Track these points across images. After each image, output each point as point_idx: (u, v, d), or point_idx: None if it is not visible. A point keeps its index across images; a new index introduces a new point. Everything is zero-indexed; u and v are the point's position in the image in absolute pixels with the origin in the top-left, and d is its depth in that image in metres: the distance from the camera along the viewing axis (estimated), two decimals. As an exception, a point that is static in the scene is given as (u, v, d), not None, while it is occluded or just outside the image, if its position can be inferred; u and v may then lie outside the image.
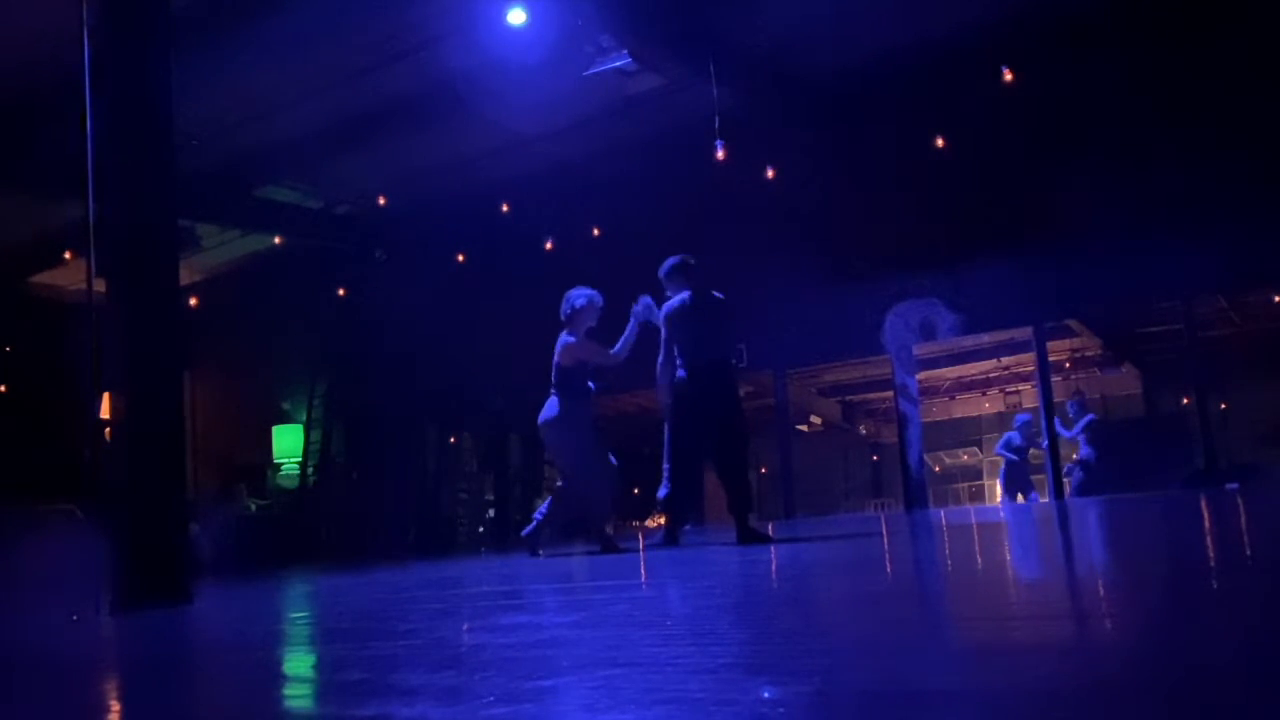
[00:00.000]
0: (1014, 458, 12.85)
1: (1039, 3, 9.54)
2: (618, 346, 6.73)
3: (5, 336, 12.59)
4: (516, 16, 8.64)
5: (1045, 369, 12.41)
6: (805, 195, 11.29)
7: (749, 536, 6.28)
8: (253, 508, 13.16)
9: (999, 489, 13.90)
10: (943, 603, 3.17)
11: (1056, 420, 12.45)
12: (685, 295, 6.51)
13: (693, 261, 6.59)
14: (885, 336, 12.64)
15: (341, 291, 13.79)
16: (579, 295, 6.78)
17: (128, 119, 5.07)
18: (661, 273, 6.64)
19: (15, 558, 6.42)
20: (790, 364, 14.29)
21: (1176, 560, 3.76)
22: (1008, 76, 10.20)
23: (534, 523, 7.01)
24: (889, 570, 4.46)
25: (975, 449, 16.96)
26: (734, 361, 6.73)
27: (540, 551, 6.90)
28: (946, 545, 5.79)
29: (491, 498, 15.33)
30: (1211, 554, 3.77)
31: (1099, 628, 2.31)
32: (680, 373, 6.45)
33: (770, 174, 11.29)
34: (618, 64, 9.73)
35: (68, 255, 11.98)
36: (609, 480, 6.79)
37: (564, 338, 6.75)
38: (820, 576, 4.45)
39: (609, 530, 6.96)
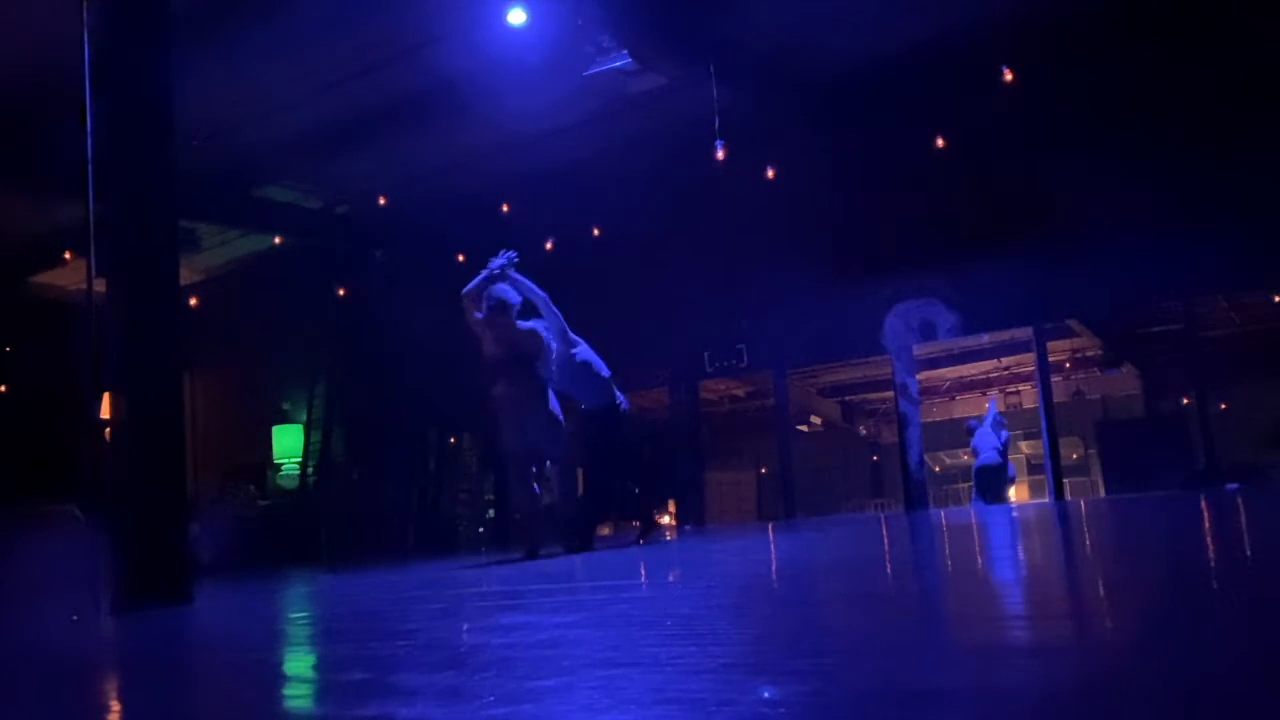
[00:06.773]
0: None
1: (1039, 3, 9.53)
2: None
3: (5, 336, 12.57)
4: (517, 16, 8.63)
5: (1045, 369, 12.40)
6: (805, 195, 11.27)
7: None
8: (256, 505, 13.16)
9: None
10: (942, 603, 3.17)
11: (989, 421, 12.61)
12: None
13: None
14: (885, 336, 12.63)
15: (341, 291, 13.77)
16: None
17: (128, 119, 5.07)
18: None
19: (15, 558, 6.41)
20: (790, 364, 14.27)
21: (1176, 561, 3.76)
22: (1008, 76, 10.20)
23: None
24: (888, 570, 4.46)
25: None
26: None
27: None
28: (946, 546, 5.78)
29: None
30: (1211, 555, 3.77)
31: (1099, 628, 2.31)
32: None
33: (770, 174, 11.28)
34: (618, 64, 9.71)
35: (68, 255, 11.96)
36: None
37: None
38: (820, 576, 4.45)
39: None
